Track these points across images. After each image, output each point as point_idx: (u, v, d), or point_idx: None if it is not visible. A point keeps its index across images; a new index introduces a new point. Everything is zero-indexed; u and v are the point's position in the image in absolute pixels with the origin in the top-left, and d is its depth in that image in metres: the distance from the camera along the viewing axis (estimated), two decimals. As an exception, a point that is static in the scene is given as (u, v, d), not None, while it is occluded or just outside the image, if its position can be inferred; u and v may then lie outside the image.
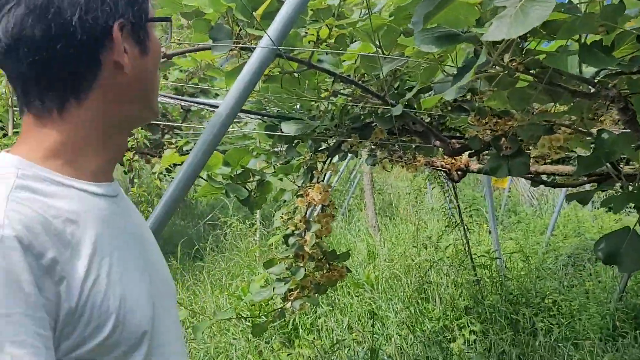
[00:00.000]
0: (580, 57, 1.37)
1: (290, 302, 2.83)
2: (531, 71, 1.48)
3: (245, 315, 3.24)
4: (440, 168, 3.46)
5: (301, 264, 2.78)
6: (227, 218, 7.65)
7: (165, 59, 1.99)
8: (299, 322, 4.89)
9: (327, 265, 2.90)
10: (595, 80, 1.48)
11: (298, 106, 3.02)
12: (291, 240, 2.79)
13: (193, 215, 10.41)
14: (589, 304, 4.84)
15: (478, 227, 7.71)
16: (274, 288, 2.84)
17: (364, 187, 9.38)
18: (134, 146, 3.96)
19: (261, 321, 2.98)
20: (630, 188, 1.62)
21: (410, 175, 10.80)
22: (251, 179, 3.08)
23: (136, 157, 4.21)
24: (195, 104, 3.62)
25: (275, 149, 3.26)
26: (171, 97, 3.01)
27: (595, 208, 8.61)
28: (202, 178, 2.91)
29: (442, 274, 5.40)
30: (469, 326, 4.47)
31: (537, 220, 9.00)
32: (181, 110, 4.57)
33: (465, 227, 5.23)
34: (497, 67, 1.46)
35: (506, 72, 1.45)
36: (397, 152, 3.56)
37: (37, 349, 0.72)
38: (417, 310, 4.81)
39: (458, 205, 5.21)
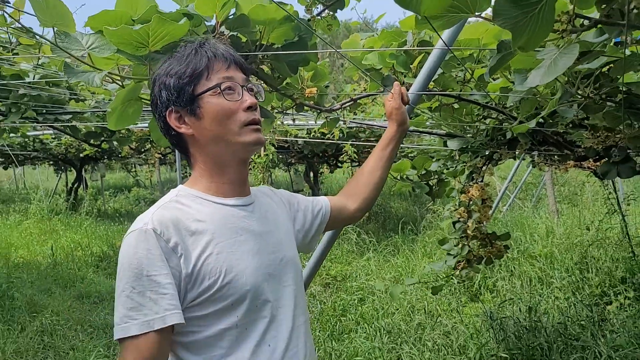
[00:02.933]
0: (652, 85, 1.17)
1: (458, 271, 2.76)
2: (611, 98, 1.30)
3: (426, 280, 3.22)
4: (587, 168, 3.08)
5: (466, 243, 2.70)
6: (435, 206, 7.55)
7: (352, 102, 2.08)
8: (483, 283, 4.68)
9: (490, 244, 2.77)
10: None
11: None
12: (457, 225, 2.73)
13: (421, 202, 10.31)
14: None
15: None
16: (445, 261, 2.80)
17: (546, 180, 8.64)
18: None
19: (437, 284, 2.95)
20: None
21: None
22: (432, 177, 3.08)
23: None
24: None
25: (452, 156, 3.19)
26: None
27: None
28: (395, 179, 3.00)
29: (603, 251, 4.73)
30: (623, 293, 3.88)
31: None
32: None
33: (623, 212, 4.54)
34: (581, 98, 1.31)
35: (590, 100, 1.30)
36: (554, 154, 3.24)
37: (163, 294, 0.88)
38: (579, 279, 4.30)
39: (617, 196, 4.53)
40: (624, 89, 1.24)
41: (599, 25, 0.97)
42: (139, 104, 1.40)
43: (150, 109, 1.06)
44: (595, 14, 1.09)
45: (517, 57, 1.12)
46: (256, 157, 4.30)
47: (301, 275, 1.14)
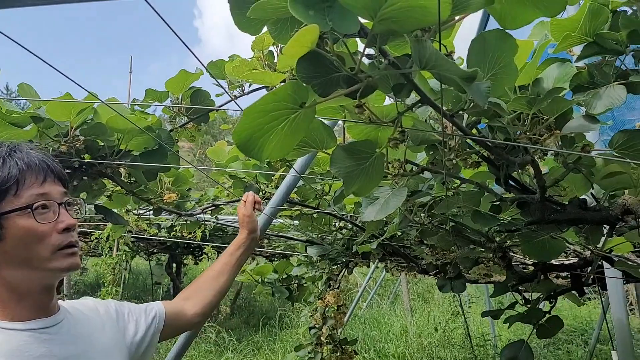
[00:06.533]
0: (472, 219, 1.34)
1: (312, 378, 2.73)
2: (442, 225, 1.46)
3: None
4: (432, 275, 3.35)
5: (319, 350, 2.70)
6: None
7: (215, 207, 2.08)
8: (341, 386, 4.65)
9: (341, 349, 2.81)
10: (488, 234, 1.45)
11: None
12: (312, 331, 2.74)
13: (285, 300, 10.23)
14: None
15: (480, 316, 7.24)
16: (301, 370, 2.75)
17: (402, 279, 9.18)
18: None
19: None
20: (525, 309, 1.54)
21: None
22: (293, 282, 3.14)
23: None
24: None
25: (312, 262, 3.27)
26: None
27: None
28: (256, 282, 3.01)
29: (448, 351, 5.05)
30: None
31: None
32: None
33: (465, 315, 4.97)
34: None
35: (425, 226, 1.45)
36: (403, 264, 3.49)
37: None
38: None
39: (459, 298, 4.98)
40: (449, 218, 1.41)
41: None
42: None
43: None
44: (423, 155, 1.26)
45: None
46: (107, 257, 3.99)
47: None
